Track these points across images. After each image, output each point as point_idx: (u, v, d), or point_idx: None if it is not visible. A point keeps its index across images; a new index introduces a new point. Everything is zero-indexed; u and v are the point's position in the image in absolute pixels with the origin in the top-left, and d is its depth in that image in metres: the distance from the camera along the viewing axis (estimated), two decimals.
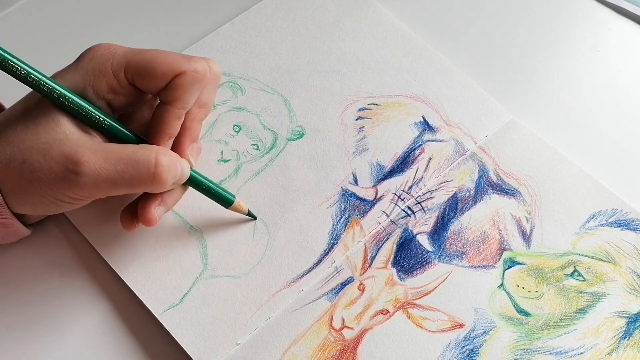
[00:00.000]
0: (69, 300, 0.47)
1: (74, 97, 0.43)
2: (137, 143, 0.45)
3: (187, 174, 0.45)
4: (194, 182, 0.47)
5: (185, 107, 0.45)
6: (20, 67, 0.42)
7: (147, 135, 0.46)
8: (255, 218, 0.49)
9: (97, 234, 0.48)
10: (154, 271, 0.47)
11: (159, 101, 0.46)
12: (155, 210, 0.45)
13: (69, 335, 0.46)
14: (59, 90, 0.42)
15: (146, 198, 0.45)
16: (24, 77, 0.42)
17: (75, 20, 0.59)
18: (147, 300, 0.46)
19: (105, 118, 0.44)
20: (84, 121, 0.43)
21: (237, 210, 0.48)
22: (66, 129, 0.42)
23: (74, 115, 0.43)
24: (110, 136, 0.45)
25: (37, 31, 0.58)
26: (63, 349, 0.45)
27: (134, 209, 0.46)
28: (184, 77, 0.44)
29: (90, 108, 0.43)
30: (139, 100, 0.47)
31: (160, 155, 0.43)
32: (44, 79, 0.42)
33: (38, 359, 0.45)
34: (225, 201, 0.48)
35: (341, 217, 0.49)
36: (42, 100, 0.43)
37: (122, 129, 0.45)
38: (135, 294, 0.46)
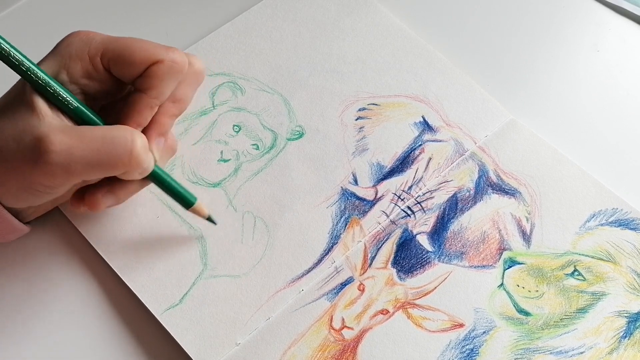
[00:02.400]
0: (68, 300, 0.47)
1: (41, 73, 0.42)
2: None
3: (151, 166, 0.44)
4: (156, 177, 0.45)
5: (158, 97, 0.44)
6: None
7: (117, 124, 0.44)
8: (215, 224, 0.48)
9: (96, 233, 0.48)
10: (154, 271, 0.47)
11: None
12: (103, 196, 0.44)
13: (68, 335, 0.46)
14: (27, 64, 0.42)
15: (96, 184, 0.44)
16: None
17: (75, 20, 0.59)
18: (147, 300, 0.46)
19: (72, 99, 0.43)
20: (52, 100, 0.42)
21: (197, 212, 0.47)
22: (40, 112, 0.41)
23: (42, 93, 0.42)
24: (78, 120, 0.43)
25: (37, 31, 0.58)
26: (62, 349, 0.45)
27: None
28: (160, 66, 0.43)
29: (57, 86, 0.42)
30: (116, 90, 0.45)
31: (136, 134, 0.42)
32: (13, 50, 0.41)
33: (37, 359, 0.45)
34: (186, 202, 0.47)
35: (341, 217, 0.49)
36: (23, 90, 0.42)
37: (89, 112, 0.43)
38: (135, 294, 0.46)
